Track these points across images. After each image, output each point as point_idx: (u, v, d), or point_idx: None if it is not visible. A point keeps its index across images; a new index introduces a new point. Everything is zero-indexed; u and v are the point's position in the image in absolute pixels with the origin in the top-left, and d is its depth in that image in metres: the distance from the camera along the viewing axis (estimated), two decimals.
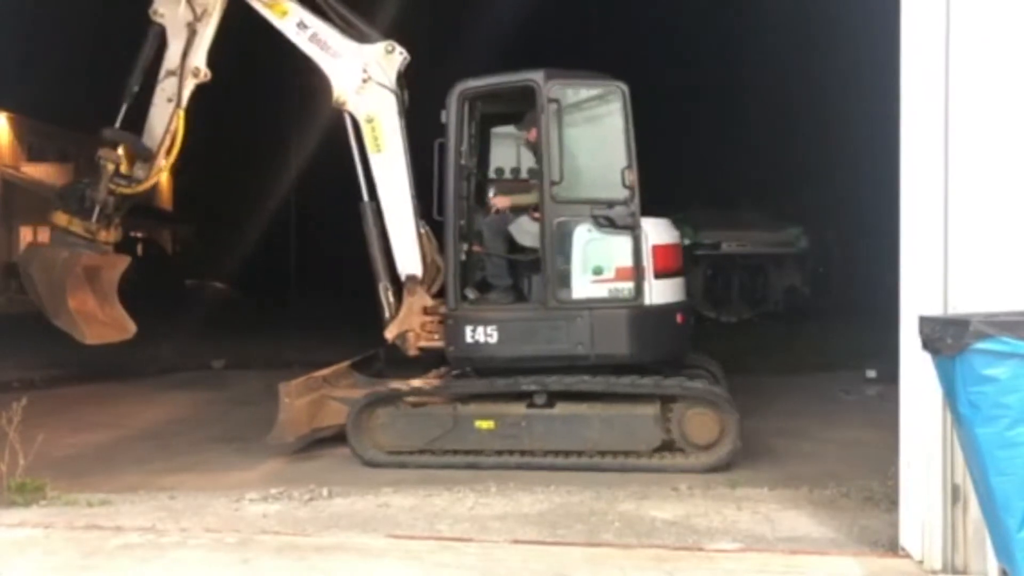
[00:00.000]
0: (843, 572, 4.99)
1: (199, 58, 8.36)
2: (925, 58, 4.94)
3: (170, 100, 8.35)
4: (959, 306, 4.73)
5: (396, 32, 8.51)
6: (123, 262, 9.13)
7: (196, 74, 8.36)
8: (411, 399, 8.04)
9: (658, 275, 7.89)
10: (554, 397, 7.76)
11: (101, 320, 8.83)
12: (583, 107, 8.17)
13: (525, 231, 8.18)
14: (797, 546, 5.40)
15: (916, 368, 4.85)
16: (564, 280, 7.89)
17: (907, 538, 5.08)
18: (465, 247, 8.13)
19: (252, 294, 34.51)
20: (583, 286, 7.90)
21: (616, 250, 7.85)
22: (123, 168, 8.46)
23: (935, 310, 4.77)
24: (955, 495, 4.82)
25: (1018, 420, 3.99)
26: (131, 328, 9.13)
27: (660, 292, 7.93)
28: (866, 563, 5.07)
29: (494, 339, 7.95)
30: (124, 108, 8.47)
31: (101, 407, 11.27)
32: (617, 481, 7.01)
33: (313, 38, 8.21)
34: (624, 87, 7.96)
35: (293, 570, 5.09)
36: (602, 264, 7.87)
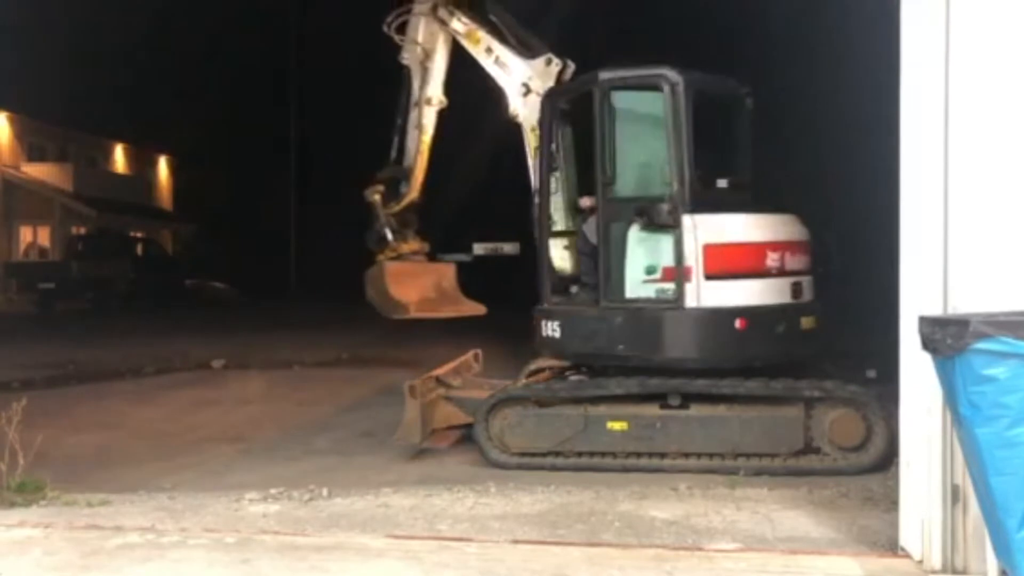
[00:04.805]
0: (843, 572, 4.99)
1: (431, 89, 9.31)
2: (925, 57, 4.94)
3: (416, 128, 9.38)
4: (959, 306, 4.73)
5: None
6: (449, 269, 9.93)
7: (429, 102, 9.29)
8: (538, 399, 7.88)
9: (711, 276, 7.51)
10: (689, 398, 7.56)
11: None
12: (632, 100, 8.04)
13: (592, 230, 8.12)
14: (797, 546, 5.40)
15: (916, 368, 4.85)
16: (614, 279, 7.83)
17: (907, 538, 5.08)
18: (563, 244, 8.42)
19: (252, 294, 34.49)
20: (633, 286, 7.77)
21: (664, 249, 7.65)
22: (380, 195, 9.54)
23: (935, 310, 4.76)
24: (955, 495, 4.82)
25: (1018, 420, 3.99)
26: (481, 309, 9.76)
27: (715, 294, 7.53)
28: (866, 563, 5.07)
29: (558, 335, 8.12)
30: (396, 141, 9.60)
31: (101, 407, 11.28)
32: (617, 481, 7.00)
33: (496, 61, 8.88)
34: (672, 76, 7.70)
35: (293, 570, 5.09)
36: (654, 263, 7.72)
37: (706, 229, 7.54)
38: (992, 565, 4.51)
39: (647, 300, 7.73)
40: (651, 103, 7.88)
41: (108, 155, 43.24)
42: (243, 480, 7.38)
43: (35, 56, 32.50)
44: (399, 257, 9.47)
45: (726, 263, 7.60)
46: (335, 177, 41.64)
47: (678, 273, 7.52)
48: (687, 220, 7.52)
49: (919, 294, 4.92)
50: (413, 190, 9.39)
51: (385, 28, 9.38)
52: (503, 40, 8.88)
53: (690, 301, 7.50)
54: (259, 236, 42.31)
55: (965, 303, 4.71)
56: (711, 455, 7.47)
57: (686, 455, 7.51)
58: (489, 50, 8.88)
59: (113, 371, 14.22)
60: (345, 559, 5.23)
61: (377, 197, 9.44)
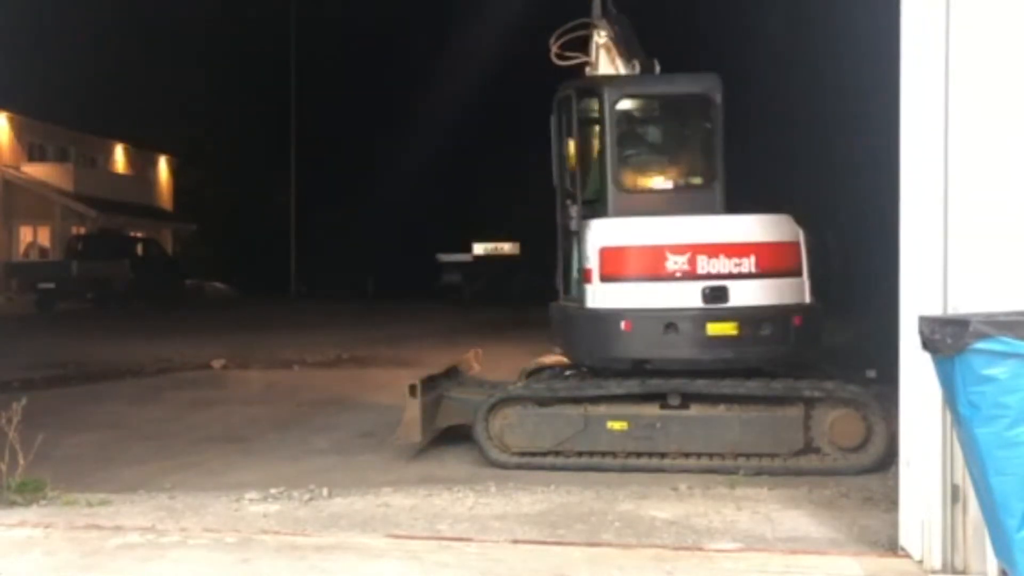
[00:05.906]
0: (843, 572, 4.99)
1: None
2: (925, 57, 4.94)
3: None
4: (959, 306, 4.73)
5: None
6: None
7: None
8: (538, 399, 7.93)
9: (606, 278, 7.69)
10: (688, 398, 7.58)
11: None
12: (572, 108, 8.35)
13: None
14: (797, 546, 5.40)
15: (916, 368, 4.85)
16: (562, 280, 8.51)
17: (907, 538, 5.08)
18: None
19: (252, 294, 34.51)
20: (573, 286, 8.28)
21: (580, 253, 8.03)
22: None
23: (935, 310, 4.76)
24: (955, 495, 4.82)
25: (1018, 420, 3.99)
26: None
27: (608, 296, 7.70)
28: (866, 563, 5.07)
29: (550, 327, 8.93)
30: None
31: (101, 407, 11.28)
32: (617, 481, 7.01)
33: (616, 69, 9.10)
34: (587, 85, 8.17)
35: (293, 570, 5.09)
36: (580, 266, 8.06)
37: (605, 233, 7.79)
38: (992, 565, 4.51)
39: (575, 300, 8.18)
40: (580, 111, 8.28)
41: (108, 155, 43.26)
42: (243, 480, 7.37)
43: (36, 56, 32.53)
44: None
45: (619, 266, 7.78)
46: (335, 177, 41.74)
47: (582, 275, 7.89)
48: (589, 225, 7.86)
49: (919, 294, 4.92)
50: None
51: (550, 44, 9.66)
52: (619, 49, 9.26)
53: (590, 302, 7.81)
54: (259, 236, 42.35)
55: (965, 303, 4.71)
56: (711, 455, 7.49)
57: (686, 455, 7.53)
58: (615, 60, 9.19)
59: (113, 371, 14.22)
60: (345, 559, 5.23)
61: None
